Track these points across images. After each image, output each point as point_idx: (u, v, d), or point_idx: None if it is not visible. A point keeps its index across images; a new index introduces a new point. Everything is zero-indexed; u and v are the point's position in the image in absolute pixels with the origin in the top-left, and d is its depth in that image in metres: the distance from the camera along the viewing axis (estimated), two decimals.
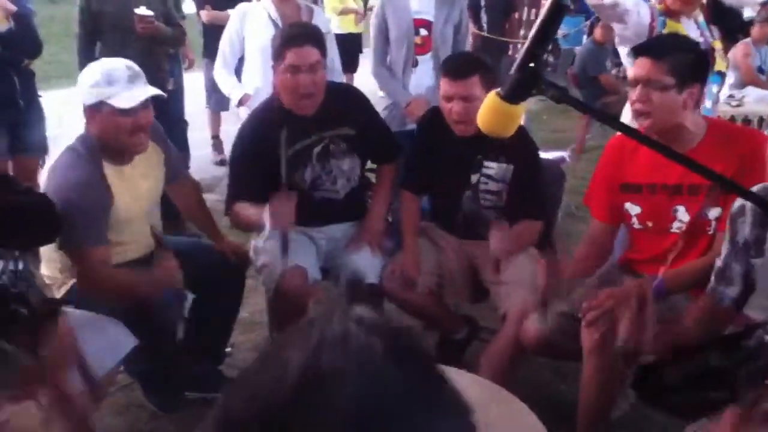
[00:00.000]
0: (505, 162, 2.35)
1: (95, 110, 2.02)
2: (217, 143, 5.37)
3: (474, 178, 2.38)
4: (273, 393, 0.51)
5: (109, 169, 2.09)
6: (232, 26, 3.15)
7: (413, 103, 3.00)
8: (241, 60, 3.23)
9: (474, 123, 2.22)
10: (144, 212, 2.26)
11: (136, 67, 2.08)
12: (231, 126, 5.36)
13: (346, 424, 0.50)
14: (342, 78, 3.23)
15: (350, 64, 6.12)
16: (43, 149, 3.52)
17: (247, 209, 2.33)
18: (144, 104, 2.05)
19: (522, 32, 8.67)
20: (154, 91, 2.09)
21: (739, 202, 1.67)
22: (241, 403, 0.53)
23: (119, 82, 2.01)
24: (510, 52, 7.12)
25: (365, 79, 3.83)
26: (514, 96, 1.13)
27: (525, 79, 1.11)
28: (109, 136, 2.05)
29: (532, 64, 1.11)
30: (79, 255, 2.03)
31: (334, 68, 3.09)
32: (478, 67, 2.29)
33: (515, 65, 1.12)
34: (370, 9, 8.05)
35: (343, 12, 6.72)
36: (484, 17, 6.95)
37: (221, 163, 5.19)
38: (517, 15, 7.72)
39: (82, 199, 1.98)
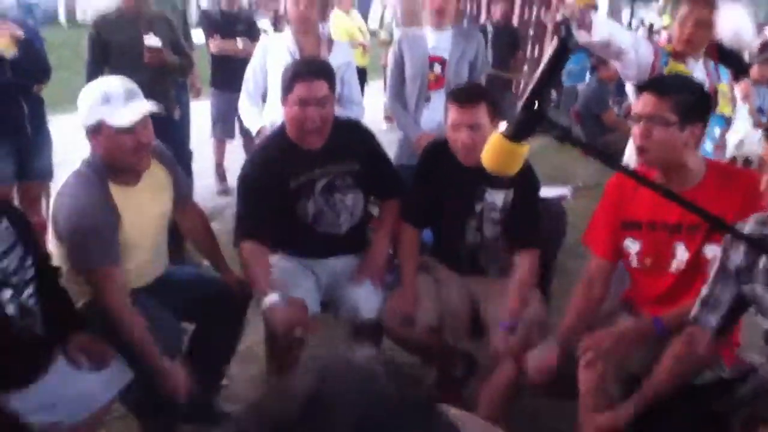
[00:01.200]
0: (506, 189, 2.36)
1: (96, 131, 2.03)
2: (220, 172, 5.39)
3: (478, 207, 2.39)
4: (281, 414, 0.55)
5: (116, 190, 2.09)
6: (255, 59, 3.19)
7: (423, 137, 3.03)
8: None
9: (479, 151, 2.26)
10: (152, 237, 2.25)
11: (132, 84, 2.09)
12: (235, 155, 5.43)
13: None
14: (363, 109, 3.26)
15: None
16: (48, 175, 3.53)
17: (252, 264, 2.31)
18: (143, 122, 2.05)
19: (526, 69, 8.81)
20: (151, 107, 2.08)
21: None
22: (251, 423, 0.56)
23: (116, 100, 2.02)
24: (514, 89, 7.22)
25: (369, 110, 3.87)
26: (518, 135, 1.15)
27: (529, 118, 1.13)
28: (113, 156, 2.05)
29: (536, 105, 1.12)
30: (92, 276, 2.03)
31: (353, 99, 3.12)
32: (484, 96, 2.34)
33: (520, 105, 1.13)
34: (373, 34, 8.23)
35: (351, 45, 6.80)
36: (489, 53, 7.04)
37: (224, 192, 5.21)
38: (521, 52, 7.84)
39: (91, 221, 1.99)
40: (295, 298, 2.25)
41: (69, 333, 1.92)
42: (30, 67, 3.30)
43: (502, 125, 1.18)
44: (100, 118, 2.01)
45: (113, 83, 2.07)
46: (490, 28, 7.11)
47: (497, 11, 7.17)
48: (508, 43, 7.14)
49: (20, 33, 3.12)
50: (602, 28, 2.39)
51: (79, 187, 2.04)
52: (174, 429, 2.36)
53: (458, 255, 2.46)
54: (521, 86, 8.58)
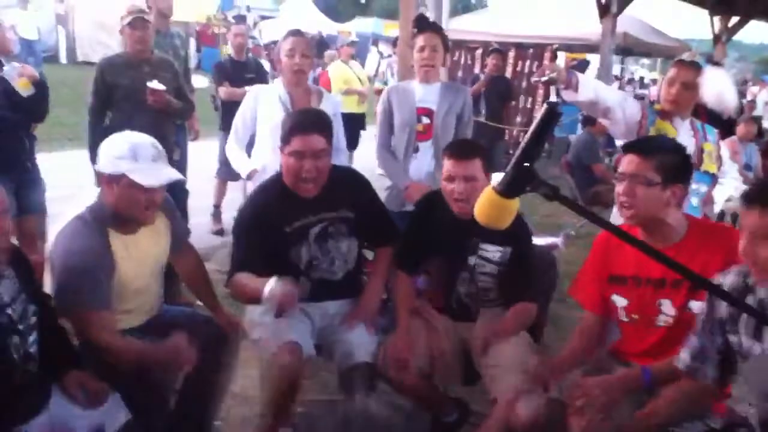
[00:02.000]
0: (501, 245, 2.42)
1: (114, 180, 2.09)
2: (216, 213, 5.46)
3: (471, 260, 2.44)
4: None
5: (115, 238, 2.14)
6: (246, 105, 3.28)
7: (412, 186, 3.10)
8: (252, 136, 3.34)
9: (472, 202, 2.33)
10: (148, 281, 2.29)
11: (160, 147, 2.17)
12: (234, 194, 5.50)
13: None
14: (347, 156, 3.34)
15: (352, 141, 6.30)
16: (43, 209, 3.61)
17: (248, 281, 2.35)
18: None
19: (519, 119, 9.00)
20: (177, 175, 2.18)
21: (717, 280, 1.74)
22: None
23: (145, 159, 2.09)
24: (507, 137, 7.37)
25: (366, 157, 3.94)
26: (509, 191, 1.21)
27: (520, 176, 1.20)
28: (123, 207, 2.11)
29: (526, 163, 1.19)
30: (80, 319, 2.06)
31: (339, 147, 3.21)
32: (479, 151, 2.44)
33: (511, 163, 1.20)
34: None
35: (347, 92, 6.96)
36: (483, 104, 7.21)
37: (219, 232, 5.27)
38: (513, 103, 8.03)
39: (85, 265, 2.02)
40: (290, 341, 2.27)
41: (66, 371, 1.95)
42: (38, 106, 3.39)
43: (495, 178, 1.25)
44: (124, 170, 2.06)
45: (143, 140, 2.14)
46: (483, 80, 7.31)
47: (490, 63, 7.37)
48: (500, 94, 7.32)
49: (36, 74, 3.26)
50: (588, 87, 2.48)
51: (78, 232, 2.09)
52: None
53: (450, 304, 2.51)
54: (515, 136, 8.75)
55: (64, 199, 2.21)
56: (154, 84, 3.59)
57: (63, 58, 16.17)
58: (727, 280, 1.73)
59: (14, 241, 2.06)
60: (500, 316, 2.41)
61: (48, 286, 2.12)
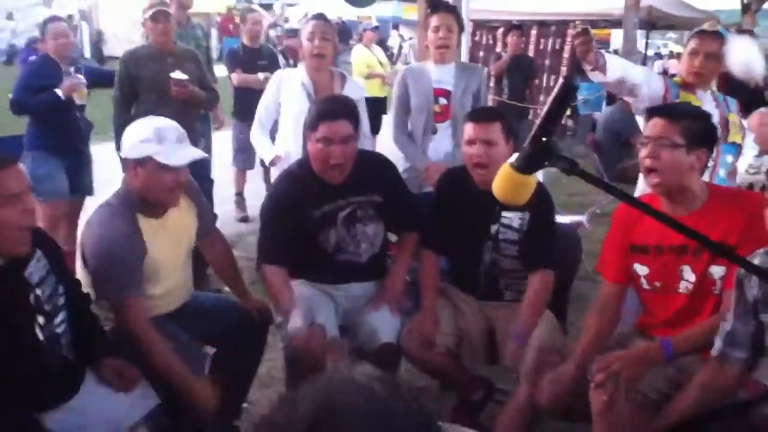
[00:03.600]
0: (521, 210, 2.42)
1: (140, 164, 2.12)
2: (240, 201, 5.51)
3: (493, 228, 2.45)
4: (289, 427, 0.59)
5: (144, 222, 2.18)
6: (269, 92, 3.29)
7: (431, 167, 3.10)
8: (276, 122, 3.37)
9: (493, 167, 2.33)
10: (177, 265, 2.33)
11: (182, 129, 2.20)
12: (255, 184, 5.55)
13: None
14: (370, 140, 3.35)
15: (373, 126, 6.29)
16: (90, 190, 4.03)
17: (277, 285, 2.41)
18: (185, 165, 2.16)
19: (542, 98, 8.90)
20: (200, 153, 2.22)
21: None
22: None
23: (169, 141, 2.12)
24: (530, 117, 7.29)
25: (388, 141, 3.94)
26: (526, 167, 1.21)
27: (537, 151, 1.19)
28: (149, 190, 2.14)
29: (544, 138, 1.19)
30: (115, 304, 2.11)
31: (363, 132, 3.21)
32: (500, 116, 2.46)
33: (528, 138, 1.20)
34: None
35: (369, 76, 6.94)
36: (505, 82, 7.14)
37: (243, 219, 5.33)
38: (537, 81, 7.93)
39: (116, 252, 2.07)
40: (314, 324, 2.31)
41: (100, 357, 2.00)
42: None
43: (514, 156, 1.25)
44: (149, 153, 2.10)
45: (167, 125, 2.17)
46: (505, 59, 7.23)
47: (511, 42, 7.28)
48: (522, 73, 7.24)
49: (81, 85, 3.71)
50: (615, 67, 2.46)
51: (108, 218, 2.13)
52: None
53: (476, 278, 2.51)
54: (539, 115, 8.66)
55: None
56: (177, 74, 3.63)
57: (87, 53, 16.38)
58: (756, 260, 1.70)
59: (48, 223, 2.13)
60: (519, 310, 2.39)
61: (79, 273, 2.17)
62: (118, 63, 3.90)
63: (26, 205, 1.74)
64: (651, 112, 2.06)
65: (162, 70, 3.70)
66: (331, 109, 2.42)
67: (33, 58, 4.04)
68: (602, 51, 2.54)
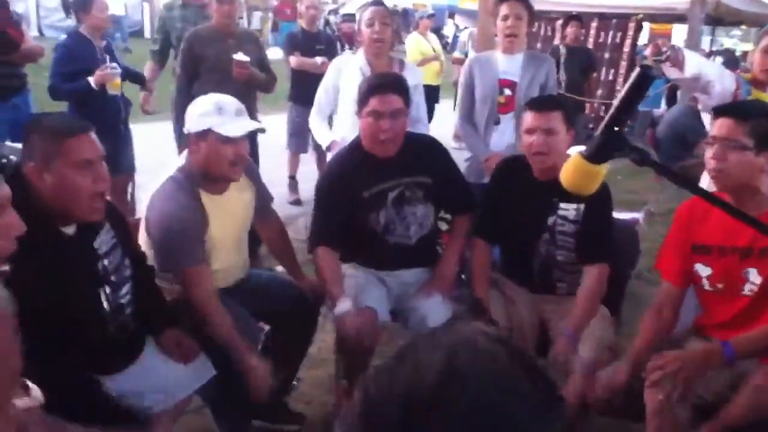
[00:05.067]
0: (577, 202, 2.38)
1: (201, 137, 2.17)
2: (292, 183, 5.58)
3: (551, 220, 2.42)
4: (412, 385, 0.60)
5: (206, 198, 2.23)
6: (328, 77, 3.32)
7: (492, 158, 3.07)
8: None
9: (552, 156, 2.31)
10: (235, 242, 2.38)
11: (241, 104, 2.25)
12: (308, 167, 5.60)
13: (479, 416, 0.57)
14: (427, 128, 3.35)
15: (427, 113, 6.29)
16: (132, 168, 4.12)
17: (327, 273, 2.42)
18: (244, 138, 2.21)
19: (599, 92, 8.72)
20: (257, 124, 2.27)
21: None
22: (382, 397, 0.62)
23: (228, 113, 2.17)
24: (587, 110, 7.15)
25: (439, 128, 3.95)
26: (597, 157, 1.20)
27: (609, 141, 1.18)
28: (211, 164, 2.19)
29: (616, 128, 1.18)
30: (181, 276, 2.18)
31: (419, 118, 3.21)
32: (560, 105, 2.42)
33: (600, 127, 1.19)
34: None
35: (423, 62, 6.91)
36: (563, 76, 7.02)
37: (295, 202, 5.40)
38: (595, 75, 7.76)
39: (181, 225, 2.13)
40: (365, 307, 2.33)
41: (161, 328, 2.06)
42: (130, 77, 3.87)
43: (577, 149, 1.23)
44: (209, 126, 2.15)
45: (226, 99, 2.23)
46: (563, 50, 7.10)
47: (569, 33, 7.15)
48: (580, 65, 7.10)
49: (113, 76, 3.74)
50: (692, 63, 2.39)
51: (172, 192, 2.19)
52: (246, 426, 2.47)
53: (530, 270, 2.49)
54: (596, 109, 8.50)
55: (148, 169, 2.30)
56: (240, 56, 3.69)
57: (147, 33, 16.73)
58: None
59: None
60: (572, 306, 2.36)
61: (143, 245, 2.24)
62: (183, 42, 3.99)
63: (99, 173, 1.80)
64: (718, 112, 1.99)
65: (224, 51, 3.77)
66: (380, 83, 2.45)
67: (63, 38, 4.00)
68: (680, 47, 2.48)
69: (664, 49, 2.39)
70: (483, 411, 0.58)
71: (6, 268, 1.37)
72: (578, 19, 7.31)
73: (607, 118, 1.18)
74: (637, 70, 1.17)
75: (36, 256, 1.49)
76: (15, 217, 1.38)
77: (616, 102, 1.18)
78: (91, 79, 3.68)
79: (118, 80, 3.77)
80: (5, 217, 1.37)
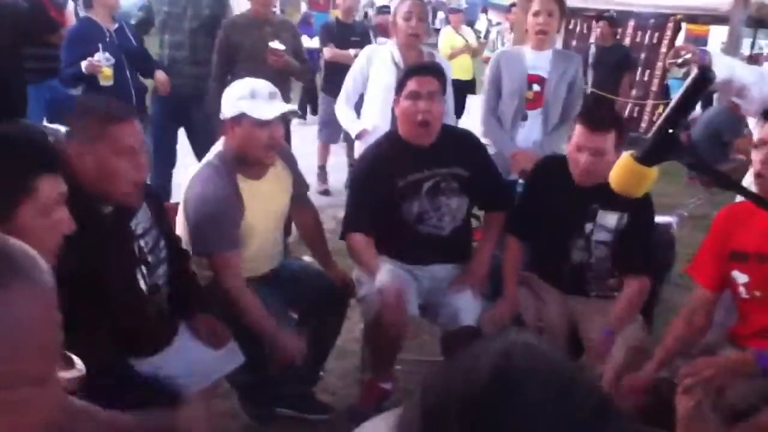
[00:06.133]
0: (620, 211, 2.34)
1: (236, 122, 2.20)
2: (322, 173, 5.59)
3: (588, 227, 2.39)
4: (468, 387, 0.59)
5: (243, 183, 2.25)
6: (358, 65, 3.33)
7: (519, 154, 3.04)
8: (361, 97, 3.39)
9: (598, 176, 2.26)
10: (269, 229, 2.39)
11: (275, 88, 2.27)
12: (338, 158, 5.61)
13: (537, 416, 0.57)
14: (455, 121, 3.33)
15: (457, 109, 6.25)
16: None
17: (364, 254, 2.43)
18: (278, 121, 2.22)
19: (634, 92, 8.59)
20: (289, 107, 2.29)
21: None
22: (438, 395, 0.61)
23: (261, 97, 2.20)
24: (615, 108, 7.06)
25: (473, 124, 3.91)
26: (649, 159, 1.18)
27: (662, 143, 1.15)
28: (246, 148, 2.21)
29: (671, 130, 1.15)
30: (213, 259, 2.20)
31: (448, 113, 3.19)
32: (615, 123, 2.32)
33: (654, 129, 1.16)
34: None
35: (452, 56, 6.84)
36: (590, 73, 6.94)
37: (325, 192, 5.41)
38: (630, 74, 7.64)
39: (217, 210, 2.15)
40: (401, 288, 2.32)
41: (195, 312, 2.08)
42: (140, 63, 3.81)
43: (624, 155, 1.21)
44: (243, 110, 2.17)
45: (260, 83, 2.25)
46: (592, 50, 7.02)
47: (600, 32, 7.07)
48: (613, 64, 7.01)
49: (101, 66, 3.55)
50: (722, 67, 2.33)
51: (210, 177, 2.21)
52: (272, 412, 2.49)
53: (561, 273, 2.46)
54: (628, 109, 8.38)
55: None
56: (276, 44, 3.70)
57: None
58: None
59: None
60: (610, 307, 2.33)
61: (179, 229, 2.26)
62: (219, 30, 4.00)
63: (139, 160, 1.81)
64: (766, 115, 1.95)
65: (261, 39, 3.77)
66: (418, 67, 2.52)
67: (72, 24, 3.90)
68: (707, 49, 2.42)
69: (683, 52, 2.33)
70: (536, 411, 0.57)
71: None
72: (610, 18, 7.21)
73: (661, 119, 1.16)
74: (695, 71, 1.14)
75: (74, 232, 1.50)
76: (67, 215, 1.40)
77: (672, 103, 1.15)
78: (83, 65, 3.55)
79: (109, 71, 3.58)
80: (59, 213, 1.38)
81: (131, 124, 1.80)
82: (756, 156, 1.92)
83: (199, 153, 4.00)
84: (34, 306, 0.74)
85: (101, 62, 3.52)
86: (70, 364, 1.04)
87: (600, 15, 7.29)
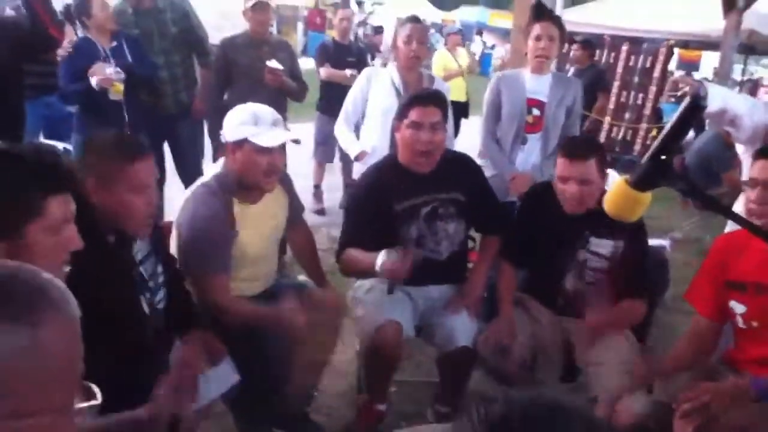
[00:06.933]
0: (613, 239, 2.36)
1: (238, 146, 2.20)
2: (317, 193, 5.60)
3: (581, 254, 2.40)
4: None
5: (238, 207, 2.25)
6: (358, 86, 3.35)
7: (518, 177, 3.06)
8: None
9: (586, 204, 2.29)
10: (265, 252, 2.40)
11: (278, 115, 2.28)
12: (334, 177, 5.62)
13: None
14: (453, 143, 3.36)
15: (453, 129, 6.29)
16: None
17: (359, 255, 2.42)
18: (280, 149, 2.22)
19: (627, 115, 8.67)
20: (292, 135, 2.28)
21: None
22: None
23: (264, 123, 2.20)
24: (585, 127, 7.11)
25: (466, 145, 3.94)
26: (643, 184, 1.19)
27: (656, 169, 1.17)
28: (246, 173, 2.21)
29: (663, 156, 1.17)
30: (201, 281, 2.19)
31: (448, 135, 3.22)
32: (595, 150, 2.35)
33: (648, 154, 1.18)
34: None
35: (446, 78, 6.90)
36: None
37: (320, 212, 5.41)
38: (604, 94, 7.70)
39: (209, 231, 2.15)
40: (391, 320, 2.32)
41: (189, 329, 2.07)
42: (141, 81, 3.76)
43: (611, 176, 1.23)
44: (245, 135, 2.17)
45: (263, 109, 2.25)
46: (572, 71, 7.13)
47: (575, 54, 7.20)
48: (586, 84, 7.12)
49: (123, 77, 3.52)
50: (717, 98, 2.37)
51: (205, 198, 2.21)
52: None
53: (554, 299, 2.48)
54: (602, 127, 8.46)
55: None
56: (273, 63, 3.74)
57: None
58: None
59: None
60: (608, 308, 2.35)
61: (173, 248, 2.26)
62: (217, 49, 4.04)
63: (150, 197, 1.84)
64: (760, 154, 1.97)
65: (258, 58, 3.82)
66: (421, 96, 2.49)
67: (68, 42, 3.79)
68: (703, 81, 2.46)
69: (681, 85, 2.38)
70: None
71: (66, 269, 1.39)
72: (580, 42, 7.35)
73: (654, 145, 1.18)
74: (687, 99, 1.17)
75: (82, 262, 1.50)
76: (75, 232, 1.41)
77: (665, 130, 1.18)
78: (93, 80, 3.48)
79: (120, 86, 3.52)
80: (67, 231, 1.39)
81: (148, 161, 1.82)
82: (748, 194, 1.94)
83: (184, 171, 4.03)
84: (63, 338, 0.77)
85: (112, 77, 3.51)
86: (91, 395, 1.04)
87: (572, 38, 7.42)
